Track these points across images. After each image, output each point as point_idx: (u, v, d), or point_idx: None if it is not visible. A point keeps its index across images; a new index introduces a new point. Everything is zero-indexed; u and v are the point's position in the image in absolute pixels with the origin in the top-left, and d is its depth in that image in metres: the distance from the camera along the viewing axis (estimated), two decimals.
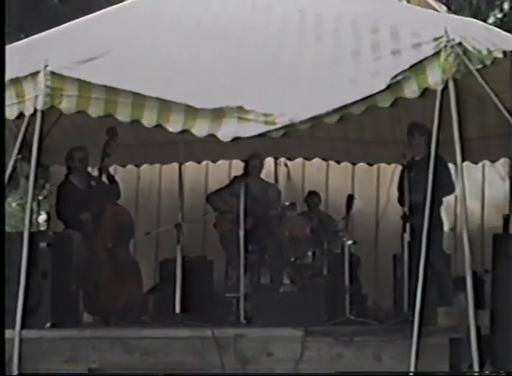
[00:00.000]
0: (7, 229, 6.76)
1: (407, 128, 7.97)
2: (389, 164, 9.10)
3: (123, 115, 6.42)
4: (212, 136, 6.29)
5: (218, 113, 6.18)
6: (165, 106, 6.25)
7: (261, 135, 6.23)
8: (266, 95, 6.18)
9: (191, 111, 6.22)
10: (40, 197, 11.54)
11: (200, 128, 6.27)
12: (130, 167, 9.92)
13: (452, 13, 10.77)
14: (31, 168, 6.43)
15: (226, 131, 6.20)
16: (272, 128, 6.12)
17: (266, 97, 6.16)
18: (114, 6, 7.62)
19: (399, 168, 7.82)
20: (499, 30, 6.88)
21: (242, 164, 9.05)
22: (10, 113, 6.54)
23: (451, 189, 7.61)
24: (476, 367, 5.90)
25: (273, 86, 6.24)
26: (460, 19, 7.66)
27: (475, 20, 7.29)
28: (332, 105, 6.07)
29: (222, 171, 9.89)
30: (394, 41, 6.40)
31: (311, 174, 10.23)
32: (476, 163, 9.33)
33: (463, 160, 6.17)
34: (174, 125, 6.34)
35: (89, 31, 7.02)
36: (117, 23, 7.15)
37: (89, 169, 8.33)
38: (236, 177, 8.90)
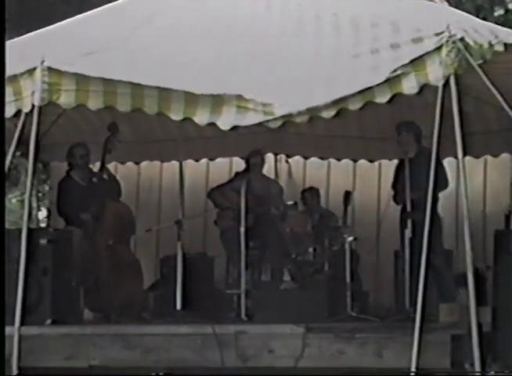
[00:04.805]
0: (7, 225, 6.73)
1: (395, 129, 7.95)
2: (390, 160, 9.06)
3: (123, 106, 6.38)
4: (212, 125, 6.27)
5: (217, 102, 6.17)
6: (165, 94, 6.23)
7: (259, 125, 6.21)
8: (266, 87, 6.17)
9: (191, 100, 6.21)
10: (40, 194, 11.55)
11: (200, 117, 6.27)
12: (130, 164, 9.90)
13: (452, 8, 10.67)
14: (29, 165, 6.40)
15: (226, 119, 6.21)
16: (270, 118, 6.12)
17: (266, 89, 6.15)
18: (113, 3, 7.59)
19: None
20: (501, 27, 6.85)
21: (242, 162, 9.03)
22: (8, 110, 6.47)
23: (445, 185, 7.58)
24: (477, 364, 5.88)
25: (273, 80, 6.23)
26: (461, 14, 7.63)
27: (475, 18, 7.27)
28: (329, 97, 6.06)
29: (223, 168, 9.87)
30: (394, 35, 6.37)
31: (312, 170, 10.21)
32: (478, 158, 9.28)
33: (465, 155, 6.13)
34: (175, 113, 6.32)
35: (86, 29, 7.00)
36: (115, 21, 7.12)
37: (90, 165, 8.32)
38: (238, 173, 8.88)
